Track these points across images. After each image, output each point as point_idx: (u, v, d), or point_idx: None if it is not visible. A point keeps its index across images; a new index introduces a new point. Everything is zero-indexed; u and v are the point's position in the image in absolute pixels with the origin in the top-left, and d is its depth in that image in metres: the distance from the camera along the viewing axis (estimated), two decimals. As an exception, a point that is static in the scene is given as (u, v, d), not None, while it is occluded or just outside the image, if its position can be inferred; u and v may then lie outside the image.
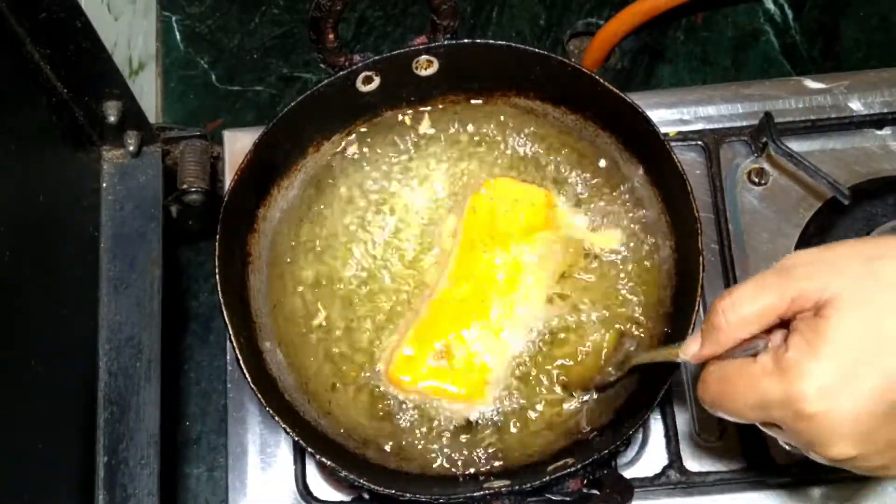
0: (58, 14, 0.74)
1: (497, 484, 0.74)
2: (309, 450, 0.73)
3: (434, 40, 0.81)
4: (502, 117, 0.87)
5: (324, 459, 0.72)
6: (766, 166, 0.93)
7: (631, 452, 0.86)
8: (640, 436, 0.86)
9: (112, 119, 0.84)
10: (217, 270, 0.76)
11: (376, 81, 0.83)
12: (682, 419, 0.85)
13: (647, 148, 0.81)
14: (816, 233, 0.90)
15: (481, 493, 0.73)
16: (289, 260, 0.84)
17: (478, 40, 0.83)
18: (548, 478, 0.72)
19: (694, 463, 0.84)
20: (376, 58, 0.82)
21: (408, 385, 0.80)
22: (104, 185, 0.88)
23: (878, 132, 0.93)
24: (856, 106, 0.94)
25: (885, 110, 0.94)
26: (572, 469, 0.72)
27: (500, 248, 0.83)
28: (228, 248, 0.78)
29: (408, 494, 0.72)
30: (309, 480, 0.85)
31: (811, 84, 0.96)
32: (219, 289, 0.75)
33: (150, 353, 0.83)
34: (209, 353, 0.99)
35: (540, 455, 0.78)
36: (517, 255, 0.83)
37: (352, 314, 0.83)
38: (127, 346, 0.83)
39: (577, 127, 0.86)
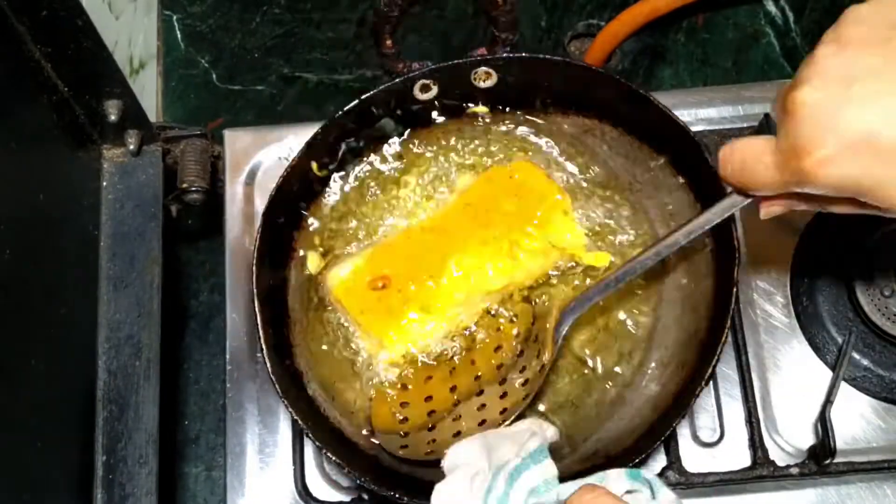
0: (59, 13, 0.74)
1: None
2: (309, 434, 0.74)
3: (493, 52, 0.81)
4: (558, 135, 0.87)
5: (330, 454, 0.73)
6: (767, 168, 0.93)
7: (630, 453, 0.86)
8: (639, 437, 0.86)
9: (113, 118, 0.84)
10: (255, 262, 0.77)
11: (434, 90, 0.83)
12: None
13: (701, 180, 0.81)
14: (817, 235, 0.90)
15: None
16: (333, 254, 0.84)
17: (539, 55, 0.82)
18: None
19: (693, 464, 0.84)
20: (434, 66, 0.82)
21: (335, 293, 0.80)
22: (104, 183, 0.88)
23: (879, 135, 0.93)
24: (856, 108, 0.94)
25: (886, 113, 0.94)
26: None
27: (490, 224, 0.82)
28: (270, 243, 0.79)
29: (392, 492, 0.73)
30: (308, 480, 0.85)
31: (812, 86, 0.96)
32: (254, 279, 0.77)
33: (149, 352, 0.83)
34: (208, 352, 0.99)
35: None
36: (500, 236, 0.82)
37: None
38: (126, 345, 0.83)
39: (632, 152, 0.85)
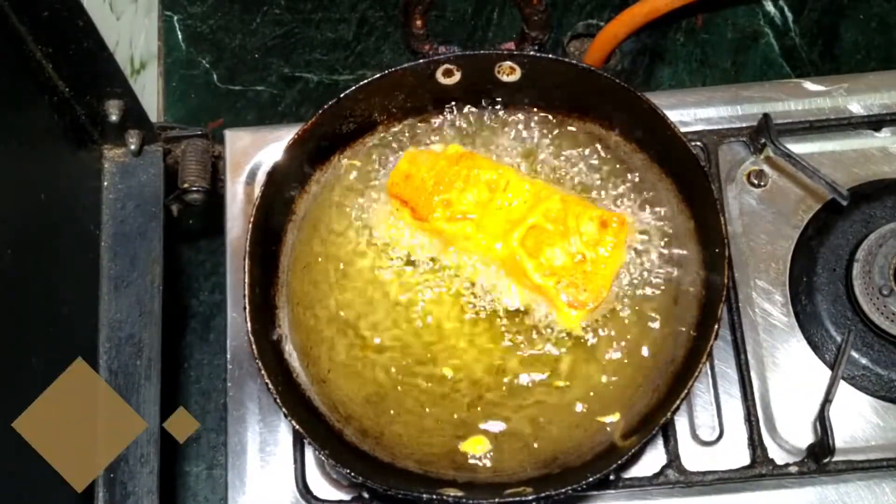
0: (60, 13, 0.74)
1: (450, 492, 0.74)
2: (277, 400, 0.74)
3: (521, 49, 0.81)
4: (575, 140, 0.87)
5: (294, 423, 0.74)
6: (766, 168, 0.93)
7: (629, 452, 0.86)
8: (638, 436, 0.86)
9: (113, 118, 0.84)
10: (253, 219, 0.79)
11: (457, 76, 0.84)
12: (680, 419, 0.86)
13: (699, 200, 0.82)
14: (815, 234, 0.90)
15: (431, 495, 0.73)
16: (331, 225, 0.85)
17: (564, 58, 0.83)
18: (497, 500, 0.73)
19: (692, 462, 0.84)
20: (460, 52, 0.83)
21: (395, 189, 0.82)
22: (105, 183, 0.88)
23: (877, 134, 0.93)
24: (855, 108, 0.94)
25: (884, 112, 0.94)
26: (527, 498, 0.73)
27: (557, 220, 0.82)
28: (271, 202, 0.81)
29: (368, 481, 0.73)
30: (308, 479, 0.85)
31: (810, 86, 0.96)
32: (248, 237, 0.78)
33: (150, 351, 0.83)
34: (209, 351, 1.00)
35: (508, 478, 0.78)
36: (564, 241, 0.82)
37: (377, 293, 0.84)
38: (127, 345, 0.84)
39: (642, 167, 0.86)
